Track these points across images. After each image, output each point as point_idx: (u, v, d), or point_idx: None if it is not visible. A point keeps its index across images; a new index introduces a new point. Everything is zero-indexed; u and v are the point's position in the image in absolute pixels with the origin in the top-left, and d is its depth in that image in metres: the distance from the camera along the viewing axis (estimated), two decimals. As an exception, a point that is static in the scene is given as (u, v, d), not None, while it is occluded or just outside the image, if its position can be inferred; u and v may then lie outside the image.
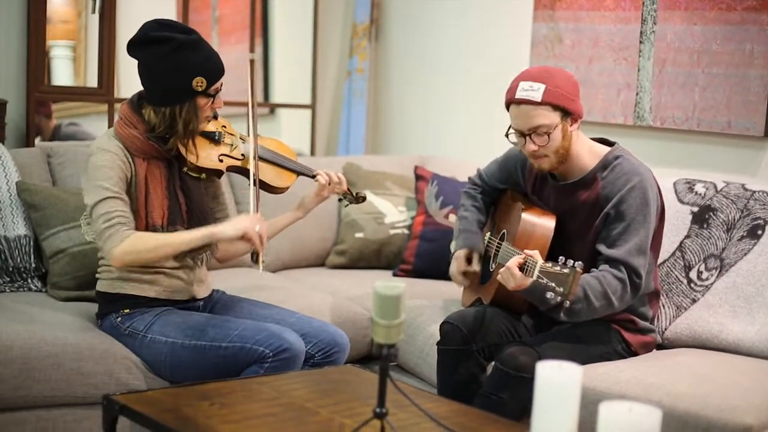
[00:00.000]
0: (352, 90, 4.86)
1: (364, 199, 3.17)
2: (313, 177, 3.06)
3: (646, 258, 2.76)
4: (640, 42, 3.75)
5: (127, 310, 2.88)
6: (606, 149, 2.86)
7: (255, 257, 2.80)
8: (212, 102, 2.84)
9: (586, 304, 2.66)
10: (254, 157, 2.89)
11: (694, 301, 3.10)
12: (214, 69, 2.81)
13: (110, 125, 4.06)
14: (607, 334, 2.86)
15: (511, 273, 2.60)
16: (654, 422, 1.65)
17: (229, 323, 2.80)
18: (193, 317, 2.85)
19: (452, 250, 3.18)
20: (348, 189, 3.11)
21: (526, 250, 2.62)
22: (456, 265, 3.09)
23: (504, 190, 3.18)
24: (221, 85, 2.86)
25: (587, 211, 2.83)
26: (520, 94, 2.73)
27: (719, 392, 2.56)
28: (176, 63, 2.76)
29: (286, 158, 3.07)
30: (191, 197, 2.90)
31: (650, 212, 2.76)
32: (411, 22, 4.76)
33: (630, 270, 2.72)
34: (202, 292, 3.00)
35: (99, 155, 2.79)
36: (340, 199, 3.17)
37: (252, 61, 2.97)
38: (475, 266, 3.07)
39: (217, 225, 2.84)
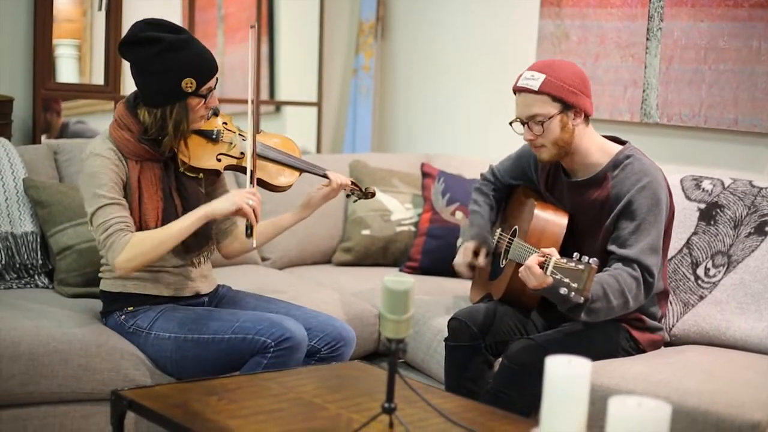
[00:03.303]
0: (358, 87, 4.86)
1: (373, 194, 3.13)
2: (324, 176, 3.01)
3: (658, 257, 2.75)
4: (647, 39, 3.74)
5: (131, 308, 2.88)
6: (617, 148, 2.86)
7: (249, 231, 2.75)
8: (205, 102, 2.78)
9: (606, 303, 2.65)
10: (253, 132, 2.82)
11: (701, 297, 3.10)
12: (203, 69, 2.74)
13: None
14: (614, 331, 2.85)
15: (531, 272, 2.58)
16: (663, 417, 1.64)
17: (231, 315, 2.79)
18: (196, 312, 2.85)
19: (458, 245, 3.17)
20: (355, 184, 3.09)
21: (543, 249, 2.61)
22: (463, 256, 3.09)
23: (516, 186, 3.18)
24: (215, 83, 2.79)
25: (597, 209, 2.82)
26: (520, 83, 2.81)
27: (727, 389, 2.56)
28: (164, 64, 2.70)
29: (289, 155, 3.01)
30: (187, 198, 2.86)
31: (661, 212, 2.75)
32: (417, 20, 4.76)
33: (643, 269, 2.71)
34: (205, 287, 2.99)
35: (91, 161, 2.75)
36: (348, 195, 3.13)
37: (252, 28, 2.85)
38: (482, 261, 3.07)
39: (210, 203, 2.77)
